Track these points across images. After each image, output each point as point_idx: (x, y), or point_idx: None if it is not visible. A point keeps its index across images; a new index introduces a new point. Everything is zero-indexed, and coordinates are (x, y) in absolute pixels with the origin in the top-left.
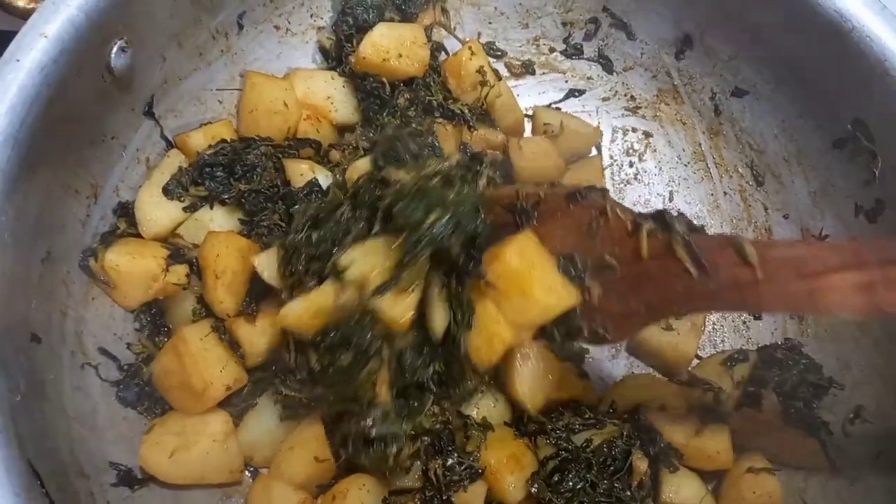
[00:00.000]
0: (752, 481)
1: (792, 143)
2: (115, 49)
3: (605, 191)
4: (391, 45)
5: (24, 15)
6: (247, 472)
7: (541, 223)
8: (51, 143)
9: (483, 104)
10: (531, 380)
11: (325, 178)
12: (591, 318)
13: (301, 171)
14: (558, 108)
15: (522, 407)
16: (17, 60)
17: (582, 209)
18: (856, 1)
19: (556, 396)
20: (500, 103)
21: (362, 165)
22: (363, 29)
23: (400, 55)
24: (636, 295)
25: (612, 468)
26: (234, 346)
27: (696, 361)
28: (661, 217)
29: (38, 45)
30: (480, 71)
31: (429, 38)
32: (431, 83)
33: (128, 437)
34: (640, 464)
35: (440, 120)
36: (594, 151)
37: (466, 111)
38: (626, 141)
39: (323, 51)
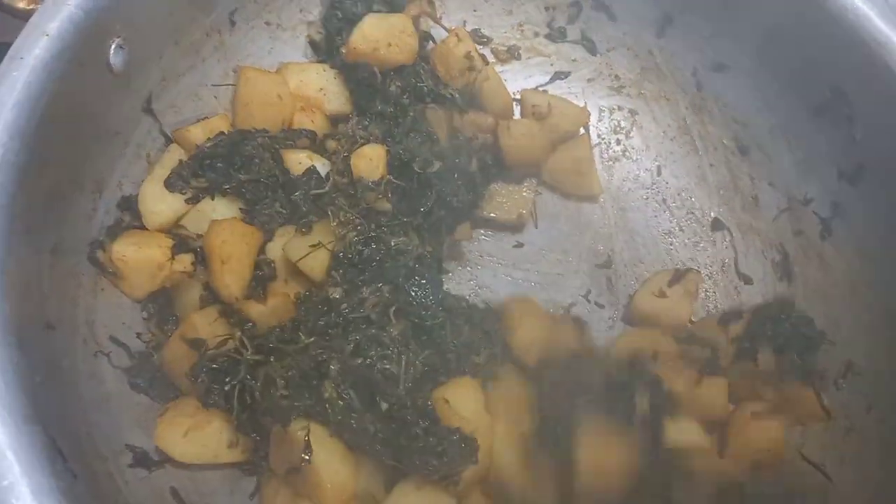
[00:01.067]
0: (756, 428)
1: (774, 114)
2: (113, 47)
3: None
4: (380, 34)
5: (25, 16)
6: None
7: None
8: (57, 139)
9: (472, 88)
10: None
11: (322, 166)
12: None
13: (300, 160)
14: (545, 91)
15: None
16: (21, 58)
17: None
18: None
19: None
20: (488, 87)
21: (369, 152)
22: (352, 21)
23: (389, 44)
24: None
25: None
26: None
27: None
28: None
29: (40, 42)
30: (468, 56)
31: (416, 27)
32: (421, 70)
33: (142, 422)
34: (642, 400)
35: (431, 105)
36: (582, 131)
37: (457, 96)
38: (612, 119)
39: (313, 45)
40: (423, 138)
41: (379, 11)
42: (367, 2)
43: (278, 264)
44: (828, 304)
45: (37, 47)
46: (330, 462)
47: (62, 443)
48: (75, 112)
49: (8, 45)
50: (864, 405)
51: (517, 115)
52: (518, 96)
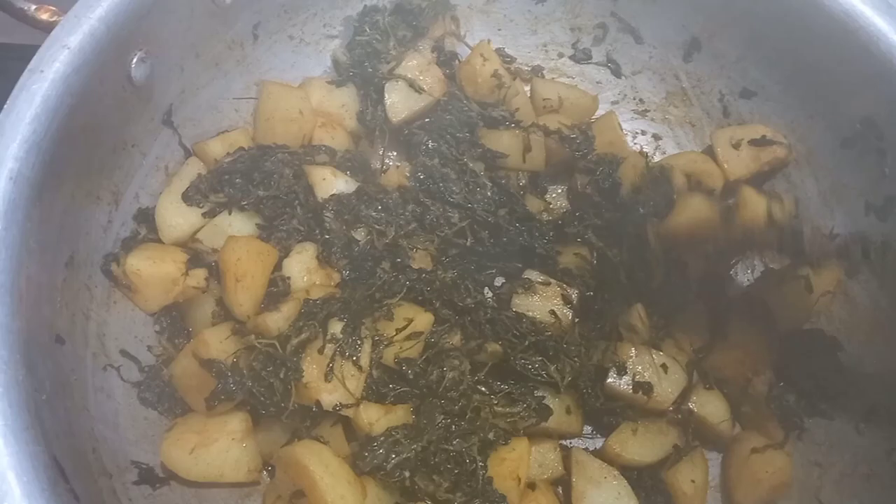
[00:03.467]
0: (761, 461)
1: (801, 143)
2: (135, 60)
3: None
4: (407, 97)
5: (48, 28)
6: (265, 473)
7: None
8: (74, 151)
9: (503, 104)
10: None
11: (345, 183)
12: None
13: (324, 177)
14: (553, 80)
15: None
16: (42, 71)
17: None
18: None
19: None
20: (517, 103)
21: None
22: (377, 54)
23: (421, 91)
24: None
25: None
26: None
27: None
28: None
29: (60, 56)
30: (496, 75)
31: (441, 48)
32: (460, 95)
33: (149, 437)
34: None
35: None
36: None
37: (508, 114)
38: (635, 143)
39: (336, 64)
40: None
41: (403, 37)
42: (390, 28)
43: (294, 281)
44: (852, 343)
45: (57, 61)
46: (335, 487)
47: (65, 462)
48: (93, 125)
49: (7, 46)
50: (885, 449)
51: None
52: None
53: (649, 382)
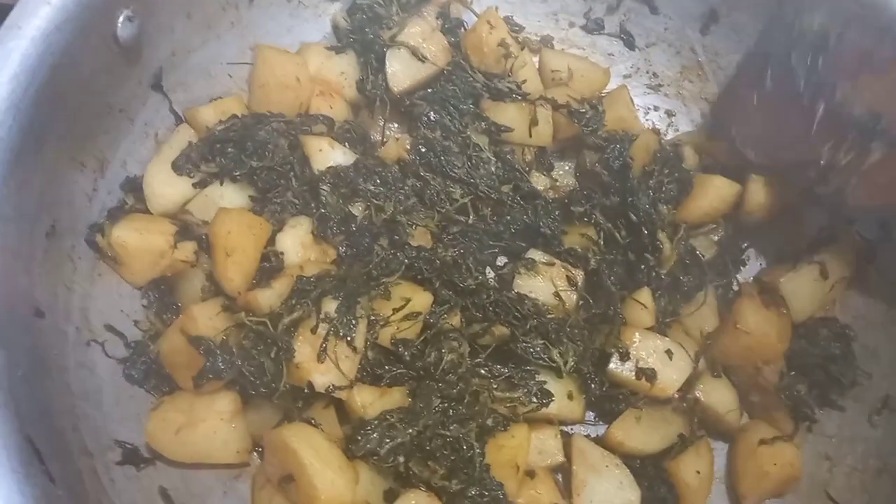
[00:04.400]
0: (769, 453)
1: None
2: (121, 19)
3: None
4: (409, 66)
5: None
6: (255, 454)
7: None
8: (56, 114)
9: (509, 75)
10: None
11: (343, 155)
12: (848, 175)
13: (320, 147)
14: (563, 50)
15: None
16: (20, 27)
17: None
18: None
19: None
20: (524, 74)
21: None
22: (377, 19)
23: (424, 59)
24: None
25: None
26: None
27: None
28: None
29: (41, 12)
30: (502, 44)
31: (446, 14)
32: (465, 65)
33: (134, 416)
34: None
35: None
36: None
37: (515, 86)
38: (647, 119)
39: (335, 29)
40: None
41: (408, 2)
42: None
43: (287, 256)
44: (868, 333)
45: (37, 17)
46: (325, 472)
47: (41, 442)
48: (77, 87)
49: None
50: None
51: None
52: None
53: (653, 369)
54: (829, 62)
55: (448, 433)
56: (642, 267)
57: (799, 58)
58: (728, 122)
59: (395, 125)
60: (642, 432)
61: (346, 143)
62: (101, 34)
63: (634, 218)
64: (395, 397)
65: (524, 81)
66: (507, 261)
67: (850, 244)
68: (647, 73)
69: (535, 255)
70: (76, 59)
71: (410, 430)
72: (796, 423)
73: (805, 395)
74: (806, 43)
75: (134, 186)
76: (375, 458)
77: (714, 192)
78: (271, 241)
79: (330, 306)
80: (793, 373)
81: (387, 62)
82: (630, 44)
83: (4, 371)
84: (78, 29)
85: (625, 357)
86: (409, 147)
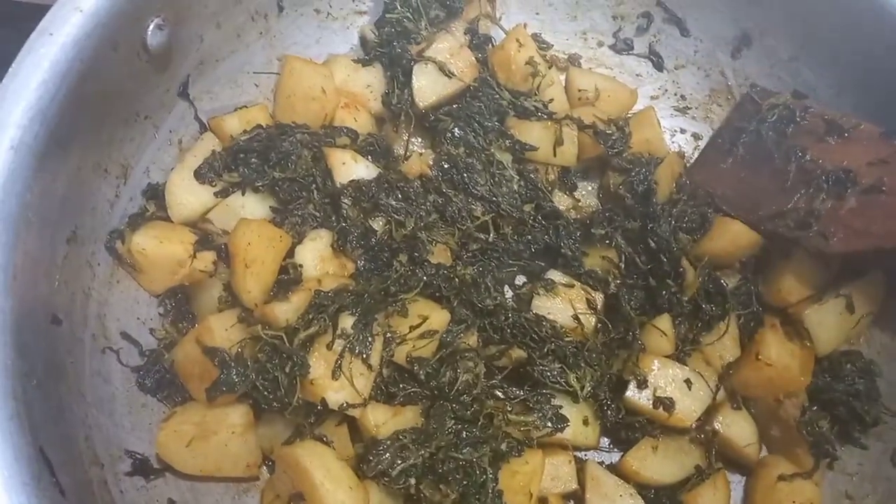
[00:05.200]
0: (788, 490)
1: None
2: (151, 27)
3: None
4: (436, 81)
5: None
6: (264, 468)
7: (848, 141)
8: (82, 121)
9: (536, 93)
10: None
11: (366, 169)
12: (827, 223)
13: (343, 160)
14: (590, 69)
15: None
16: (51, 34)
17: (888, 144)
18: None
19: None
20: (552, 93)
21: None
22: (406, 33)
23: (451, 75)
24: (883, 221)
25: None
26: None
27: None
28: None
29: (72, 18)
30: (530, 62)
31: (474, 30)
32: (492, 82)
33: (146, 426)
34: None
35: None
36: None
37: (541, 105)
38: (673, 142)
39: (363, 42)
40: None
41: (436, 17)
42: (423, 7)
43: (306, 269)
44: (893, 369)
45: (68, 23)
46: (336, 493)
47: (53, 452)
48: (104, 93)
49: (18, 4)
50: None
51: None
52: None
53: (671, 398)
54: (798, 130)
55: (461, 456)
56: (663, 293)
57: (769, 128)
58: (703, 185)
59: (419, 140)
60: (658, 462)
61: (370, 157)
62: (131, 42)
63: (653, 244)
64: (409, 417)
65: (551, 100)
66: (525, 280)
67: (879, 278)
68: (675, 94)
69: (555, 275)
70: (105, 67)
71: (423, 452)
72: (817, 459)
73: (827, 430)
74: (776, 116)
75: (156, 194)
76: (387, 479)
77: (730, 238)
78: (291, 253)
79: (347, 322)
80: (815, 407)
81: (413, 77)
82: (659, 65)
83: (20, 380)
84: (108, 36)
85: (642, 385)
86: (431, 163)
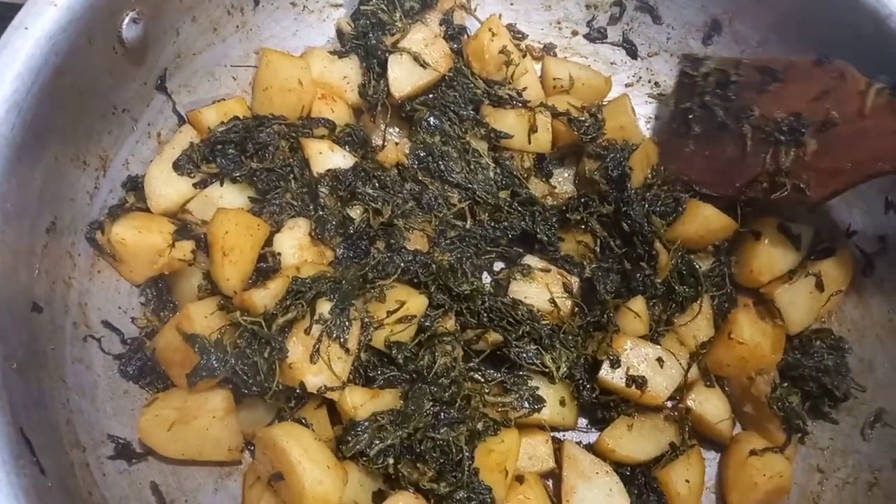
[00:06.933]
0: (759, 464)
1: None
2: (126, 20)
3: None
4: (411, 71)
5: None
6: (247, 453)
7: (786, 83)
8: (59, 114)
9: (510, 82)
10: None
11: (343, 158)
12: (797, 174)
13: (320, 150)
14: (565, 58)
15: None
16: (26, 28)
17: (823, 72)
18: None
19: None
20: (525, 81)
21: None
22: (381, 25)
23: (426, 65)
24: (848, 152)
25: None
26: None
27: None
28: (892, 82)
29: (47, 13)
30: (504, 51)
31: (449, 21)
32: (466, 71)
33: (128, 411)
34: None
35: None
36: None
37: (515, 93)
38: (648, 128)
39: (339, 34)
40: None
41: (411, 8)
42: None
43: (284, 257)
44: (863, 345)
45: (42, 17)
46: (313, 471)
47: (33, 434)
48: (81, 87)
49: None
50: (892, 458)
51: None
52: None
53: (643, 376)
54: (738, 89)
55: (438, 436)
56: (637, 276)
57: (712, 97)
58: (678, 174)
59: (396, 130)
60: (633, 440)
61: (347, 147)
62: (106, 35)
63: (627, 227)
64: (387, 399)
65: (525, 89)
66: (503, 266)
67: (848, 257)
68: (650, 82)
69: (532, 261)
70: (81, 60)
71: (400, 433)
72: (788, 434)
73: (798, 406)
74: (712, 82)
75: (135, 185)
76: (365, 459)
77: (701, 221)
78: (269, 241)
79: (324, 308)
80: (785, 384)
81: (389, 67)
82: (633, 53)
83: (1, 363)
84: (83, 30)
85: (615, 364)
86: (408, 152)
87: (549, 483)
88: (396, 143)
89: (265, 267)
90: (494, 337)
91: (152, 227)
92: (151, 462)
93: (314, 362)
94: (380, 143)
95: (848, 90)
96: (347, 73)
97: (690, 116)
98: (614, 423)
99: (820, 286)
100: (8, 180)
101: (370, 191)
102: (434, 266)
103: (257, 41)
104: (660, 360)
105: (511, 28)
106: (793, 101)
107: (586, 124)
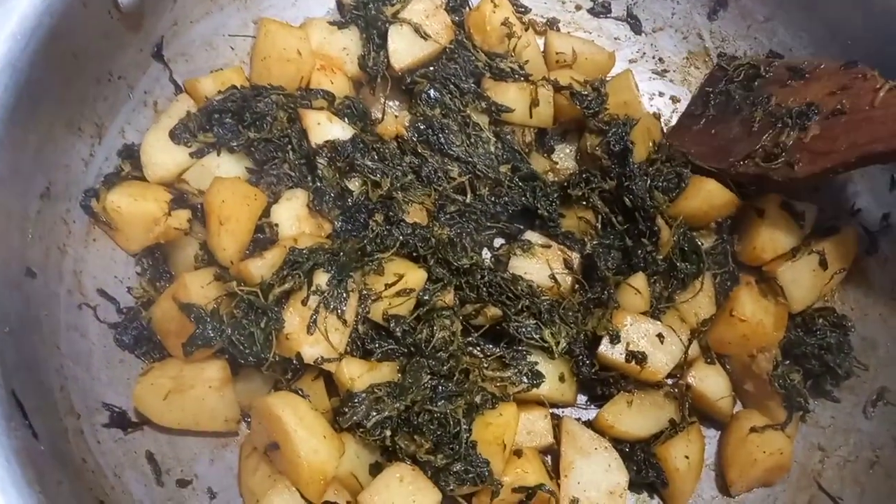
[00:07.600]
0: (759, 440)
1: None
2: None
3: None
4: (412, 43)
5: None
6: (244, 425)
7: (809, 81)
8: (53, 77)
9: (512, 55)
10: None
11: (342, 130)
12: (791, 153)
13: (319, 121)
14: (568, 33)
15: None
16: None
17: (848, 73)
18: None
19: None
20: (528, 54)
21: None
22: None
23: (427, 37)
24: (846, 135)
25: None
26: None
27: None
28: None
29: None
30: (506, 23)
31: None
32: (468, 44)
33: (124, 380)
34: None
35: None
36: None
37: (517, 66)
38: (652, 105)
39: (339, 5)
40: None
41: None
42: None
43: (282, 228)
44: (866, 324)
45: None
46: (309, 440)
47: (26, 397)
48: (76, 51)
49: None
50: (892, 438)
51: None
52: None
53: (643, 352)
54: (764, 82)
55: (436, 408)
56: (639, 252)
57: (737, 87)
58: (678, 148)
59: (396, 103)
60: (633, 416)
61: (346, 119)
62: None
63: (628, 202)
64: (384, 372)
65: (527, 62)
66: (503, 242)
67: (852, 235)
68: (654, 58)
69: (532, 236)
70: (75, 23)
71: (398, 405)
72: (789, 412)
73: (799, 384)
74: (742, 75)
75: (131, 154)
76: (362, 430)
77: (704, 196)
78: (266, 212)
79: (321, 279)
80: (787, 362)
81: (389, 39)
82: (637, 28)
83: None
84: None
85: (615, 339)
86: (408, 124)
87: (548, 459)
88: (396, 116)
89: (262, 238)
90: (493, 311)
91: (148, 196)
92: (147, 431)
93: (311, 333)
94: (379, 115)
95: (865, 87)
96: (347, 45)
97: (710, 101)
98: (613, 400)
99: (823, 264)
100: (1, 142)
101: (369, 163)
102: (433, 240)
103: (256, 11)
104: (660, 336)
105: (514, 2)
106: (811, 95)
107: (588, 98)
